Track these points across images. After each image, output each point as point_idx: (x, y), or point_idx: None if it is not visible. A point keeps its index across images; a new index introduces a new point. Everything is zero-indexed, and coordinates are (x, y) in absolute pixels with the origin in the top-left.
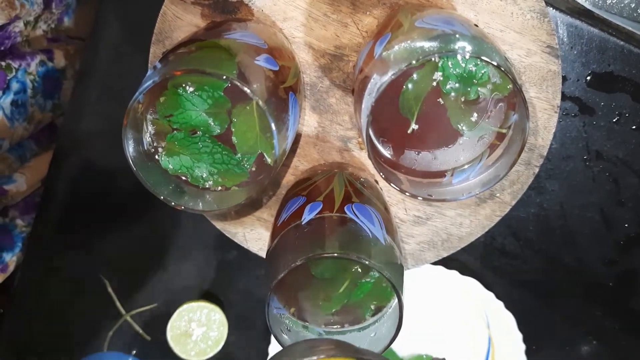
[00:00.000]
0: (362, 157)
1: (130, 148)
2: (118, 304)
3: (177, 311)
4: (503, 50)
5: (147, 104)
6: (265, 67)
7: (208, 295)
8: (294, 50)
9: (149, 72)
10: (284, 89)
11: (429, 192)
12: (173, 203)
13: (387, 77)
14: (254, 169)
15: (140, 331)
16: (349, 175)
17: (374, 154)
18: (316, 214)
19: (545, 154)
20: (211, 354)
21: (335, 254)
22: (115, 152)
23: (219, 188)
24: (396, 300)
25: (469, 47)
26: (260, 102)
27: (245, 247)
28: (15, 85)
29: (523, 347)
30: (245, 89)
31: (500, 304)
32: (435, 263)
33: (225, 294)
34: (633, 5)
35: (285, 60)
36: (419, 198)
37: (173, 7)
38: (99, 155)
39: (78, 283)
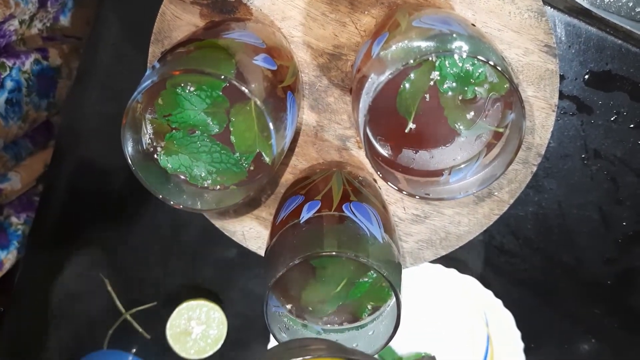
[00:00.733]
0: (361, 156)
1: (129, 147)
2: (118, 302)
3: (177, 309)
4: (500, 49)
5: (146, 103)
6: (263, 66)
7: (207, 294)
8: (292, 49)
9: (147, 72)
10: (282, 89)
11: (426, 191)
12: (172, 202)
13: (385, 76)
14: (252, 168)
15: (140, 329)
16: (347, 174)
17: (372, 153)
18: (314, 213)
19: (543, 152)
20: (211, 352)
21: (333, 253)
22: (115, 151)
23: (218, 187)
24: (394, 298)
25: (466, 47)
26: (258, 102)
27: (245, 245)
28: (9, 84)
29: (522, 345)
30: (243, 88)
31: (499, 302)
32: (433, 261)
33: (224, 292)
34: (631, 4)
35: (284, 59)
36: (416, 197)
37: (172, 6)
38: (98, 155)
39: (78, 282)
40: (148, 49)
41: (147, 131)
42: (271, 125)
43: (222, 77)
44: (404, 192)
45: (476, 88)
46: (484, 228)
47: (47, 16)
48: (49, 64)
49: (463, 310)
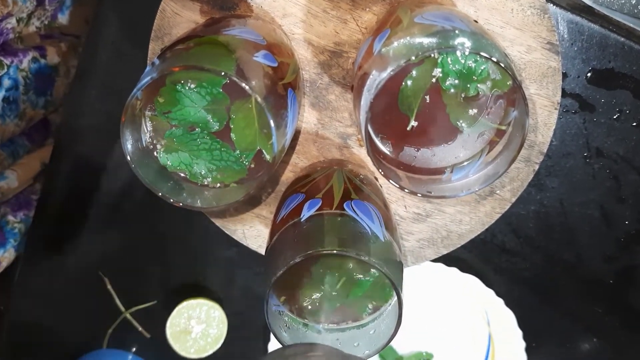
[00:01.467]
0: (362, 154)
1: (128, 145)
2: (117, 301)
3: (177, 308)
4: (503, 46)
5: (146, 100)
6: (263, 63)
7: (207, 293)
8: (293, 46)
9: (147, 69)
10: (282, 86)
11: (428, 189)
12: (172, 200)
13: (386, 73)
14: (252, 165)
15: (140, 328)
16: (349, 172)
17: (373, 151)
18: (315, 211)
19: (545, 150)
20: (211, 351)
21: (334, 251)
22: (114, 149)
23: (218, 185)
24: (396, 297)
25: (468, 44)
26: (259, 99)
27: (245, 244)
28: (6, 82)
29: (523, 344)
30: (244, 85)
31: (501, 301)
32: (435, 260)
33: (224, 291)
34: (634, 2)
35: (284, 56)
36: (418, 195)
37: (172, 3)
38: (98, 153)
39: (77, 281)
40: (148, 46)
41: (147, 128)
42: (272, 123)
43: (222, 73)
44: (406, 190)
45: (479, 85)
46: (486, 227)
47: (45, 14)
48: (47, 62)
49: (464, 309)
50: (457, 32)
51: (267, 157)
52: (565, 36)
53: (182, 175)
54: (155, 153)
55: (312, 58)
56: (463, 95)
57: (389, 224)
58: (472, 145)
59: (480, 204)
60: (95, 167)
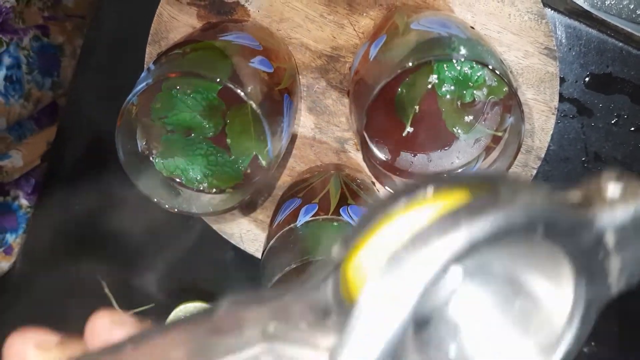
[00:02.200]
0: (359, 158)
1: (123, 150)
2: (115, 304)
3: (174, 312)
4: (499, 52)
5: (142, 105)
6: (259, 69)
7: (205, 296)
8: (290, 51)
9: (142, 74)
10: (278, 91)
11: None
12: (167, 205)
13: (382, 79)
14: (248, 170)
15: None
16: (345, 177)
17: (369, 157)
18: (311, 217)
19: (542, 155)
20: None
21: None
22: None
23: (214, 190)
24: None
25: (464, 50)
26: (254, 105)
27: (242, 248)
28: (7, 60)
29: None
30: (239, 91)
31: None
32: None
33: (222, 295)
34: (632, 7)
35: (281, 61)
36: None
37: (169, 7)
38: (97, 149)
39: (74, 284)
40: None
41: (143, 134)
42: (267, 129)
43: (218, 80)
44: None
45: (475, 91)
46: None
47: None
48: (50, 41)
49: None
50: (453, 38)
51: (263, 162)
52: (563, 41)
53: (178, 180)
54: (151, 158)
55: (309, 62)
56: (459, 102)
57: None
58: (468, 151)
59: None
60: (96, 165)
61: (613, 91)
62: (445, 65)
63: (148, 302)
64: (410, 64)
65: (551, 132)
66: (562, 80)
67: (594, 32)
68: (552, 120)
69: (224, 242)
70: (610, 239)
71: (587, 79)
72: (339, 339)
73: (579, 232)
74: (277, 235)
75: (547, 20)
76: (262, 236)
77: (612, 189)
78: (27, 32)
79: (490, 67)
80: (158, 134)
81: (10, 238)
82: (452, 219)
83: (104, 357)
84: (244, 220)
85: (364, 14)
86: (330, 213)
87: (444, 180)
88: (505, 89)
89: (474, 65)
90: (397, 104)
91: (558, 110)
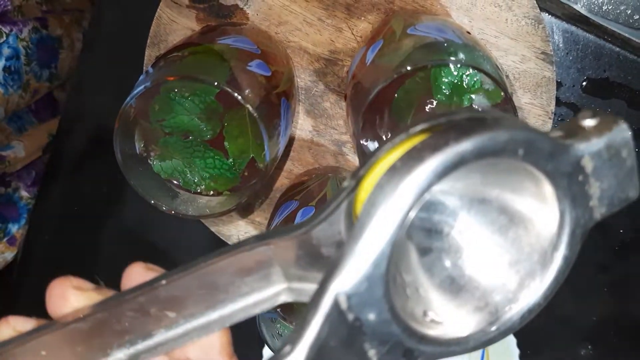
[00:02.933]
0: (357, 161)
1: (121, 152)
2: None
3: None
4: (496, 57)
5: (140, 108)
6: (257, 72)
7: None
8: (288, 54)
9: (141, 77)
10: (276, 95)
11: None
12: (164, 208)
13: (378, 84)
14: (246, 173)
15: None
16: (343, 180)
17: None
18: None
19: None
20: None
21: None
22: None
23: (211, 192)
24: None
25: (460, 55)
26: (251, 109)
27: None
28: (6, 51)
29: (517, 352)
30: (236, 95)
31: None
32: None
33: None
34: (629, 12)
35: (279, 65)
36: None
37: (168, 10)
38: (97, 147)
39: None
40: (144, 52)
41: (141, 136)
42: (264, 132)
43: (215, 83)
44: None
45: (471, 96)
46: None
47: None
48: (49, 33)
49: None
50: (449, 43)
51: (260, 165)
52: (561, 45)
53: (176, 182)
54: (148, 160)
55: (307, 66)
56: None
57: None
58: None
59: None
60: (95, 165)
61: (610, 96)
62: (441, 71)
63: None
64: (406, 70)
65: None
66: (560, 84)
67: (591, 37)
68: (549, 125)
69: (222, 244)
70: (587, 164)
71: (584, 84)
72: (347, 244)
73: (558, 156)
74: None
75: (544, 25)
76: None
77: (588, 122)
78: (26, 24)
79: (486, 72)
80: (156, 137)
81: (13, 228)
82: (443, 137)
83: (140, 291)
84: (242, 223)
85: (362, 18)
86: None
87: (437, 117)
88: (502, 93)
89: (471, 70)
90: (393, 109)
91: (555, 115)
